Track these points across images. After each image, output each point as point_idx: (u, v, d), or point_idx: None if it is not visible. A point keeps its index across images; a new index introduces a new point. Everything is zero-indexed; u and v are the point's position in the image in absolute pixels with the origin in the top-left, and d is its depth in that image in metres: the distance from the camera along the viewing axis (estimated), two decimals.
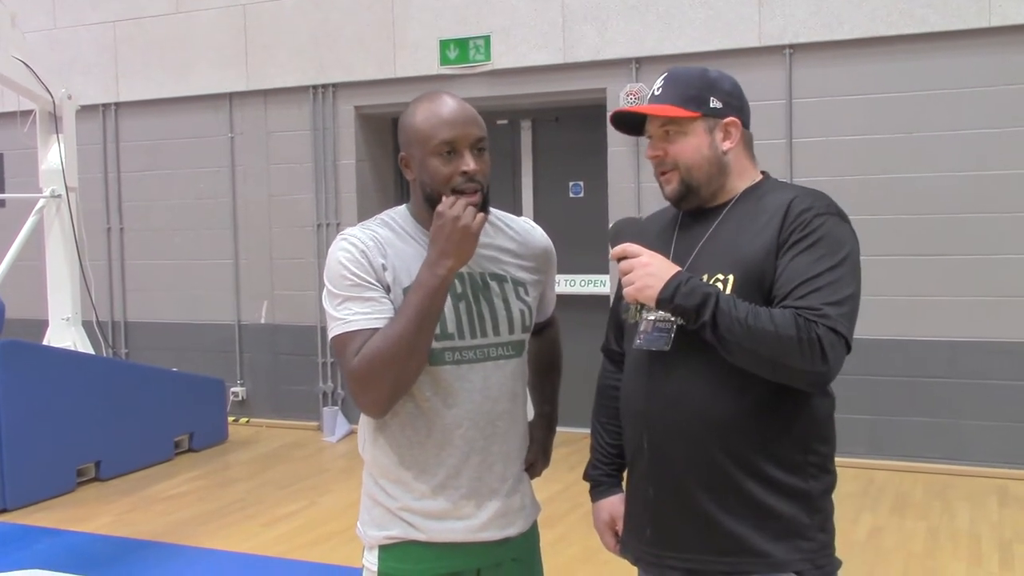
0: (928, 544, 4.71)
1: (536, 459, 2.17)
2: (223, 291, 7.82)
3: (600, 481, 2.25)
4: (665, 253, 2.01)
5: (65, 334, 6.41)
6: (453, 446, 1.97)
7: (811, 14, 6.07)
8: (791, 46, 6.16)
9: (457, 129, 1.95)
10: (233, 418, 7.65)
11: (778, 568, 1.88)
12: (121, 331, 8.18)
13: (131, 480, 6.14)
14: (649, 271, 1.87)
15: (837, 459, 1.99)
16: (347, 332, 1.90)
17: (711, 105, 1.99)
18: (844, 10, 6.00)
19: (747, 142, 2.05)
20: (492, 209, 2.09)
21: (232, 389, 7.69)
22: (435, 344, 1.93)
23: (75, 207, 6.43)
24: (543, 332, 2.31)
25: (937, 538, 4.80)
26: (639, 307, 1.98)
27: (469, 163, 1.95)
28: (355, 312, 1.90)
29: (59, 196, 6.36)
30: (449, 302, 1.95)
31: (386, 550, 2.01)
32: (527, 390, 2.15)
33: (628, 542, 2.10)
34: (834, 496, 1.98)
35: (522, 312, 2.05)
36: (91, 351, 6.47)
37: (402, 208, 2.08)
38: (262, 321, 7.69)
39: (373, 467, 2.05)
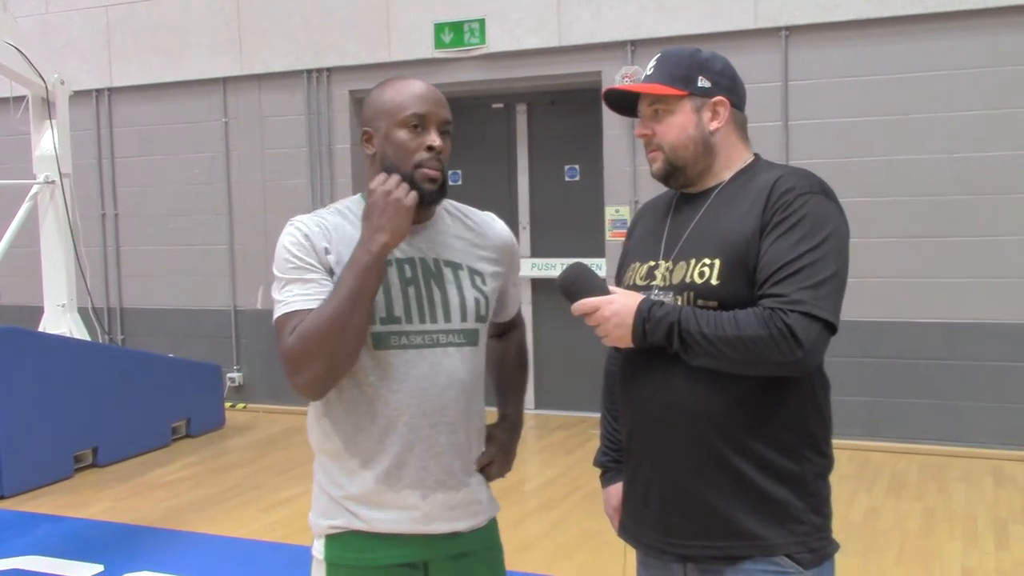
0: (924, 525, 4.73)
1: (495, 460, 2.10)
2: (219, 277, 7.82)
3: (608, 467, 2.25)
4: (659, 237, 2.02)
5: (61, 320, 6.40)
6: (397, 433, 1.93)
7: None
8: (787, 28, 6.14)
9: (428, 105, 1.94)
10: (230, 404, 7.66)
11: (770, 551, 1.88)
12: (117, 317, 8.17)
13: (128, 466, 6.14)
14: (614, 322, 1.88)
15: (833, 441, 1.99)
16: (285, 313, 1.87)
17: (699, 84, 1.98)
18: None
19: (738, 123, 2.03)
20: (452, 202, 2.08)
21: (229, 375, 7.70)
22: (381, 327, 1.90)
23: (69, 193, 6.41)
24: (508, 334, 2.28)
25: (933, 519, 4.82)
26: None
27: (435, 139, 1.93)
28: (295, 294, 1.88)
29: (53, 182, 6.33)
30: (398, 286, 1.93)
31: (331, 539, 1.98)
32: (483, 385, 2.09)
33: (627, 526, 2.10)
34: (831, 478, 1.99)
35: (477, 301, 2.00)
36: (87, 337, 6.46)
37: (357, 196, 2.06)
38: (258, 306, 7.69)
39: (320, 454, 2.02)
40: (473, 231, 2.08)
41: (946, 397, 5.93)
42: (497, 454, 2.12)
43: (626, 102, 2.08)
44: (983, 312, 5.82)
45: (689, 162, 1.99)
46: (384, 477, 1.94)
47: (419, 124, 1.93)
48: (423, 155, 1.92)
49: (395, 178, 1.89)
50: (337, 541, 1.98)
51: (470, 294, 2.00)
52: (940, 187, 5.87)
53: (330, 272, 1.91)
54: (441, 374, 1.95)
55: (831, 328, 1.81)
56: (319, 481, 2.03)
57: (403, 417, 1.93)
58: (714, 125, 1.98)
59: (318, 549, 2.01)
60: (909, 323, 5.98)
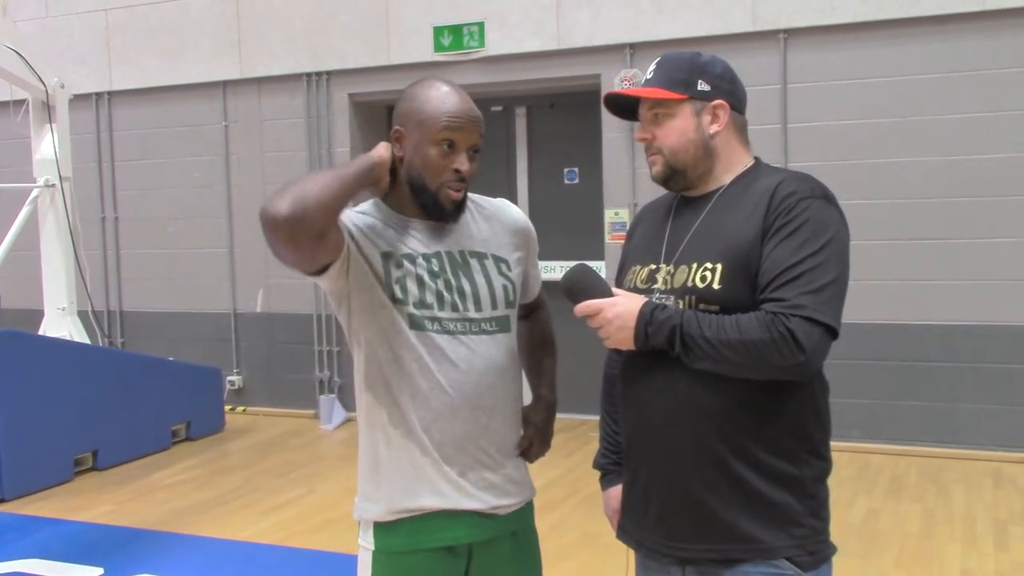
0: (923, 526, 4.74)
1: (532, 442, 2.15)
2: (218, 280, 7.82)
3: (608, 469, 2.26)
4: (659, 241, 2.03)
5: (61, 324, 6.40)
6: (439, 415, 1.98)
7: None
8: (785, 31, 6.15)
9: (465, 128, 2.00)
10: (230, 407, 7.67)
11: (769, 555, 1.89)
12: (117, 320, 8.18)
13: (128, 469, 6.15)
14: (617, 324, 1.89)
15: (832, 443, 2.00)
16: None
17: (699, 88, 1.98)
18: None
19: (738, 126, 2.04)
20: (468, 193, 2.13)
21: (228, 378, 7.70)
22: (416, 311, 1.97)
23: (69, 197, 6.41)
24: (532, 315, 2.32)
25: (932, 520, 4.82)
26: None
27: (464, 163, 2.00)
28: None
29: (53, 186, 6.34)
30: (427, 278, 1.99)
31: (380, 527, 2.04)
32: (520, 370, 2.14)
33: (626, 527, 2.11)
34: (830, 480, 1.99)
35: (505, 288, 2.07)
36: (87, 341, 6.46)
37: (369, 202, 2.11)
38: (258, 310, 7.69)
39: (365, 443, 2.07)
40: (491, 220, 2.15)
41: (945, 399, 5.94)
42: (535, 436, 2.16)
43: (627, 106, 2.09)
44: (981, 314, 5.83)
45: (689, 165, 2.00)
46: (427, 455, 1.99)
47: (451, 145, 1.99)
48: (449, 176, 1.99)
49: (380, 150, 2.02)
50: (384, 528, 2.03)
51: (498, 282, 2.06)
52: (938, 189, 5.88)
53: (351, 235, 1.98)
54: (479, 360, 2.00)
55: (832, 332, 1.82)
56: (364, 470, 2.07)
57: (443, 398, 1.98)
58: (714, 128, 1.99)
59: (367, 539, 2.06)
60: (907, 325, 5.99)
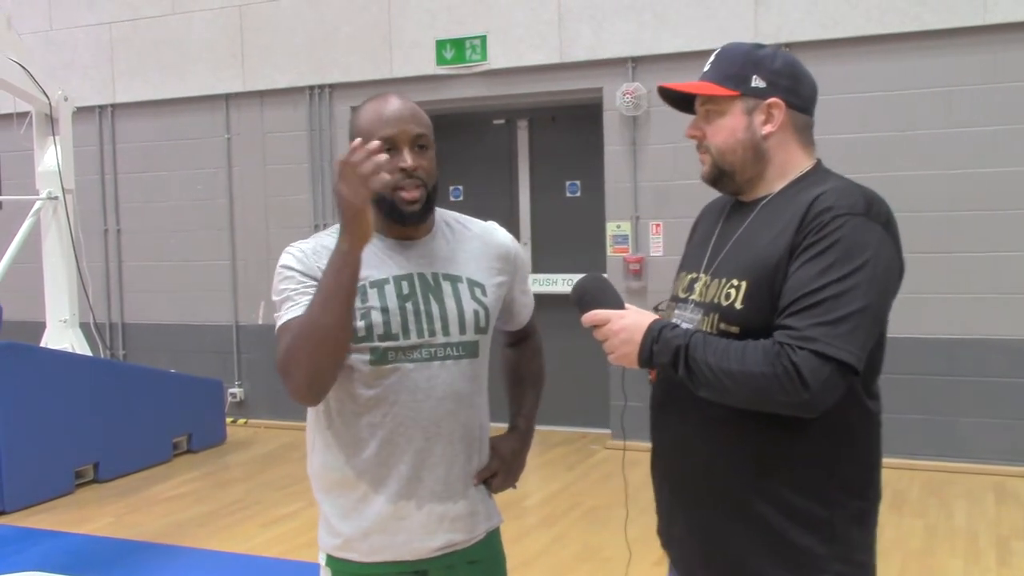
0: (925, 541, 4.73)
1: (498, 472, 2.10)
2: (220, 292, 7.83)
3: None
4: (706, 247, 1.94)
5: (63, 336, 6.41)
6: (393, 445, 1.95)
7: (806, 13, 6.09)
8: (786, 45, 6.16)
9: (396, 126, 1.93)
10: (231, 419, 7.66)
11: None
12: (119, 333, 8.18)
13: (129, 481, 6.14)
14: (622, 337, 1.79)
15: None
16: (279, 327, 1.91)
17: (752, 84, 1.83)
18: (839, 9, 6.02)
19: (798, 127, 1.86)
20: (452, 212, 2.10)
21: (230, 390, 7.70)
22: (378, 344, 1.93)
23: (72, 209, 6.43)
24: (522, 344, 2.28)
25: (934, 535, 4.81)
26: (666, 308, 1.97)
27: (407, 159, 1.92)
28: (286, 311, 1.92)
29: (56, 198, 6.35)
30: (395, 303, 1.95)
31: (331, 558, 2.05)
32: (485, 397, 2.10)
33: (663, 532, 2.03)
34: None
35: (476, 312, 2.01)
36: (89, 353, 6.46)
37: (332, 233, 2.04)
38: (259, 322, 7.69)
39: (319, 468, 2.05)
40: (472, 242, 2.09)
41: (947, 413, 5.93)
42: (501, 466, 2.12)
43: (683, 99, 1.96)
44: (983, 328, 5.82)
45: (737, 168, 1.86)
46: (380, 488, 1.97)
47: (390, 147, 1.92)
48: (397, 177, 1.91)
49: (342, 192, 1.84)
50: (335, 559, 2.04)
51: (469, 306, 2.01)
52: (938, 203, 5.88)
53: None
54: (438, 387, 1.97)
55: (847, 368, 1.65)
56: (318, 498, 2.06)
57: (399, 429, 1.96)
58: (767, 129, 1.84)
59: (322, 558, 2.07)
60: (909, 339, 5.97)
